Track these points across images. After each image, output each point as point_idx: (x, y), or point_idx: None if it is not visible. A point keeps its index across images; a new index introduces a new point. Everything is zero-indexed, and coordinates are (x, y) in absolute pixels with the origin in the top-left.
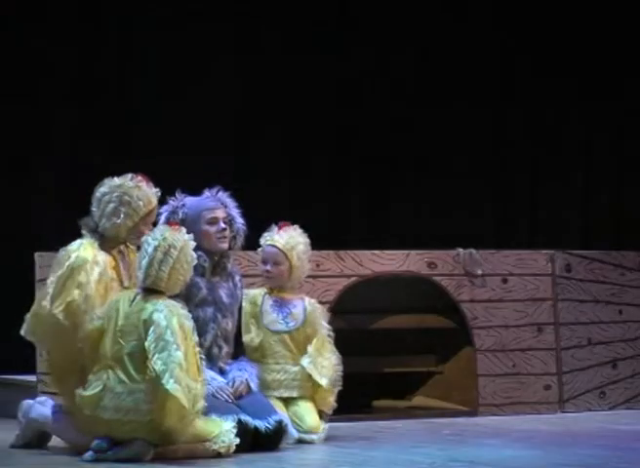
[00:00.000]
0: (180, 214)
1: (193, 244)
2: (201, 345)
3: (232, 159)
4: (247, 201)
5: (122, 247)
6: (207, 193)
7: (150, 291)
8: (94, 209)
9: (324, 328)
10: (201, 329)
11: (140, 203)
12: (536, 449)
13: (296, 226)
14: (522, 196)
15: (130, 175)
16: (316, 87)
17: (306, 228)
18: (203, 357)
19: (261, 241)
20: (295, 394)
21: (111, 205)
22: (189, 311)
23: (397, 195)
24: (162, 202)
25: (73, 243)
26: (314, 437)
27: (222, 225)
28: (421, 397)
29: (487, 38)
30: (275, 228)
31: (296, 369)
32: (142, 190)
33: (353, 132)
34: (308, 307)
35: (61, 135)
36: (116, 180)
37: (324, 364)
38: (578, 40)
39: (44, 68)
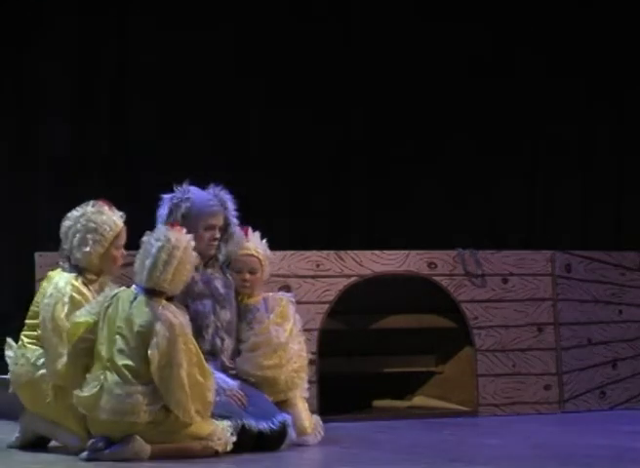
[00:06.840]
0: (183, 209)
1: (193, 244)
2: (203, 338)
3: (231, 158)
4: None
5: (101, 280)
6: (211, 190)
7: (151, 292)
8: (64, 245)
9: (275, 315)
10: (202, 322)
11: (107, 227)
12: (536, 449)
13: (249, 228)
14: (522, 196)
15: (91, 202)
16: (315, 89)
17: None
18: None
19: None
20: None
21: (78, 235)
22: (187, 306)
23: (398, 194)
24: (128, 223)
25: (59, 279)
26: (307, 439)
27: (217, 234)
28: (421, 397)
29: (477, 35)
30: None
31: None
32: (106, 215)
33: (353, 130)
34: (270, 304)
35: (61, 134)
36: (77, 210)
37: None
38: (583, 41)
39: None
